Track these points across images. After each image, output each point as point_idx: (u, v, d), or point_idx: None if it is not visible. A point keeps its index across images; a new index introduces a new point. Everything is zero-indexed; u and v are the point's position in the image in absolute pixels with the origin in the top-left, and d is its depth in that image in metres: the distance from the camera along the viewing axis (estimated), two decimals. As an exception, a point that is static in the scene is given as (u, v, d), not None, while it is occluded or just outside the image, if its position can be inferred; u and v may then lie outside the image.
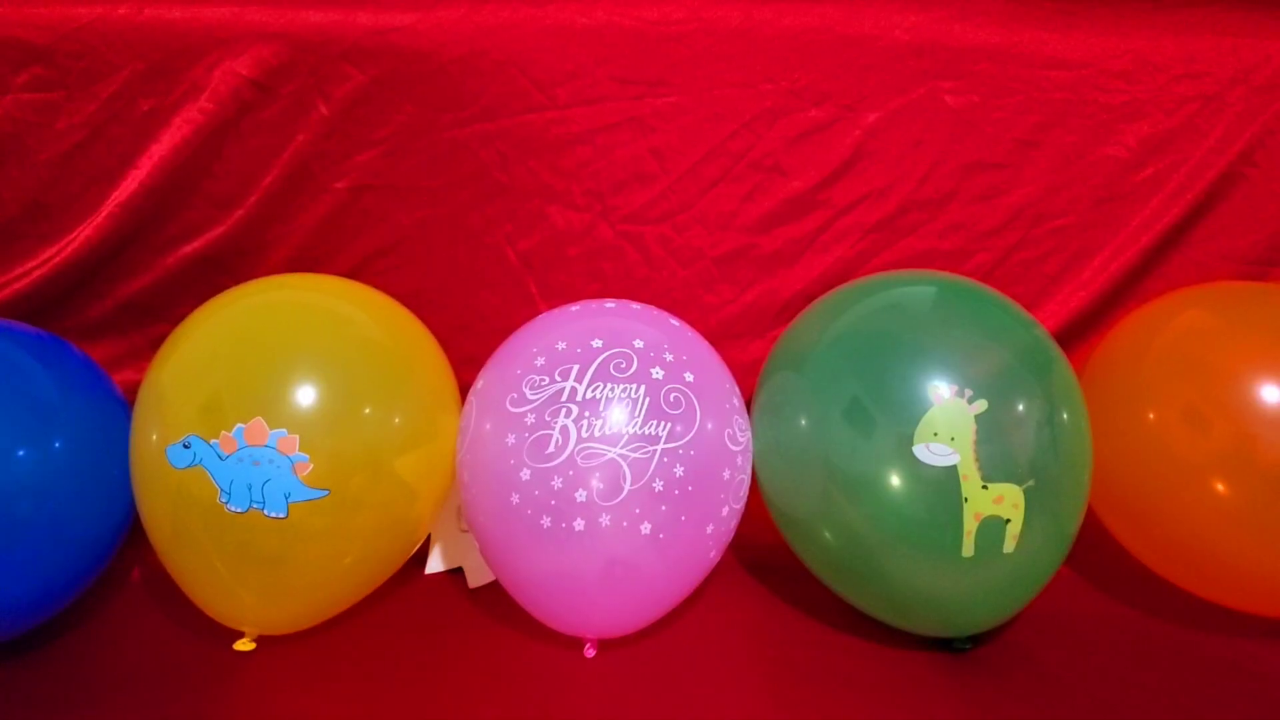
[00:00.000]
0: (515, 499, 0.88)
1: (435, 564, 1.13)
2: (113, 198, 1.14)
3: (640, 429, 0.88)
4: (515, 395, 0.91)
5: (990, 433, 0.88)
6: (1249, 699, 0.93)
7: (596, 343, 0.92)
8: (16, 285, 1.17)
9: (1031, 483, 0.89)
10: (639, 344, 0.93)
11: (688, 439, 0.90)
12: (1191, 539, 0.98)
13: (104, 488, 0.96)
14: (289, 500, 0.87)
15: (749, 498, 0.99)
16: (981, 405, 0.89)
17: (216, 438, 0.87)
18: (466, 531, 1.09)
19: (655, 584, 0.93)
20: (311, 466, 0.87)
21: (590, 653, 0.96)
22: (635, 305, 1.03)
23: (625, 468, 0.87)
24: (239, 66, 1.11)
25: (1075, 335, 1.28)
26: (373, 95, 1.14)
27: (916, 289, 1.02)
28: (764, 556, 1.14)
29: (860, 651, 0.99)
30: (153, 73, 1.11)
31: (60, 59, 1.10)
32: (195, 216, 1.17)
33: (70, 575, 0.96)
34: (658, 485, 0.88)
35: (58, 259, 1.16)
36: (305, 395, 0.89)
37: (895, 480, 0.89)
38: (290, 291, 1.02)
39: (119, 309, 1.21)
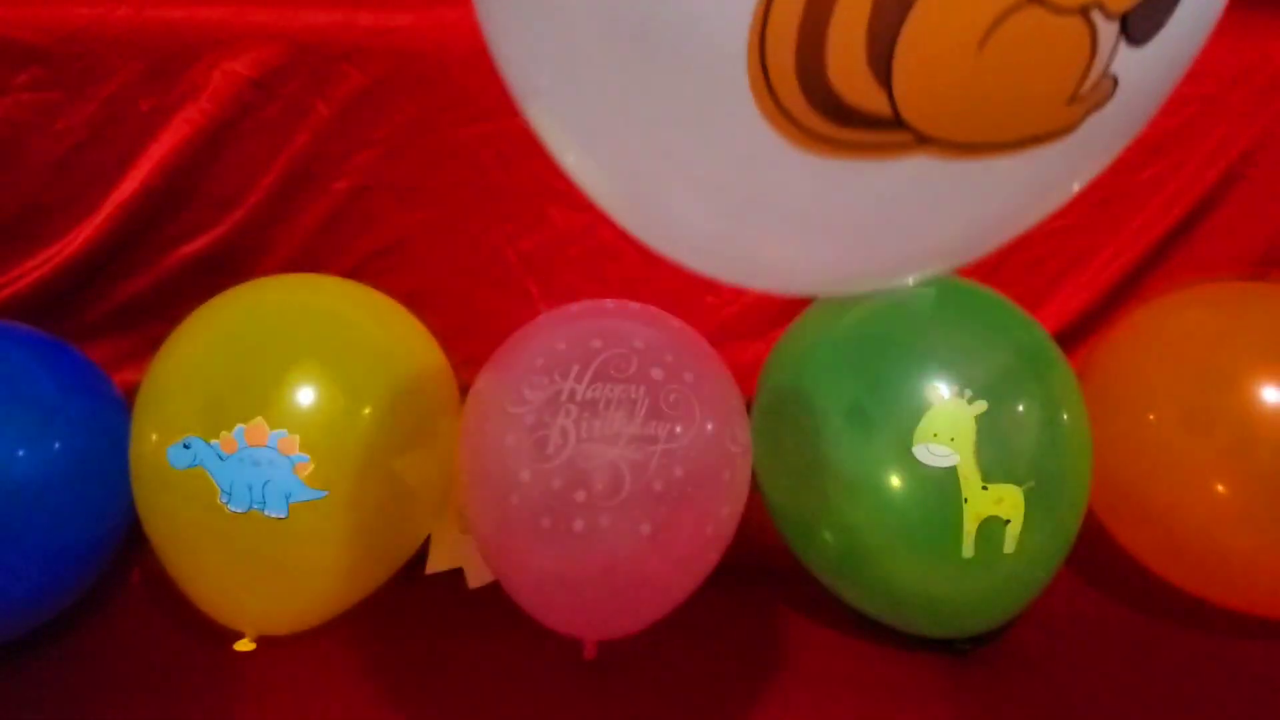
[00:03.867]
0: (515, 500, 0.88)
1: (435, 564, 1.13)
2: (112, 198, 1.14)
3: (640, 429, 0.88)
4: (515, 396, 0.91)
5: (990, 433, 0.88)
6: (1249, 699, 0.93)
7: (596, 343, 0.92)
8: (16, 285, 1.17)
9: (1031, 483, 0.89)
10: (639, 344, 0.93)
11: (687, 440, 0.89)
12: (1191, 539, 0.98)
13: (104, 488, 0.96)
14: (289, 500, 0.87)
15: (749, 498, 0.98)
16: (981, 406, 0.89)
17: (217, 438, 0.87)
18: (467, 532, 1.09)
19: (655, 585, 0.93)
20: (311, 467, 0.87)
21: (590, 654, 0.96)
22: (635, 305, 1.02)
23: (625, 468, 0.87)
24: (239, 66, 1.11)
25: (1075, 335, 1.28)
26: (373, 95, 1.14)
27: (917, 289, 1.01)
28: (764, 558, 1.14)
29: (861, 653, 0.99)
30: (152, 73, 1.11)
31: (59, 60, 1.10)
32: (195, 217, 1.17)
33: (70, 576, 0.96)
34: (657, 486, 0.87)
35: (58, 259, 1.16)
36: (305, 395, 0.89)
37: (895, 481, 0.89)
38: (290, 291, 1.02)
39: (119, 309, 1.21)
